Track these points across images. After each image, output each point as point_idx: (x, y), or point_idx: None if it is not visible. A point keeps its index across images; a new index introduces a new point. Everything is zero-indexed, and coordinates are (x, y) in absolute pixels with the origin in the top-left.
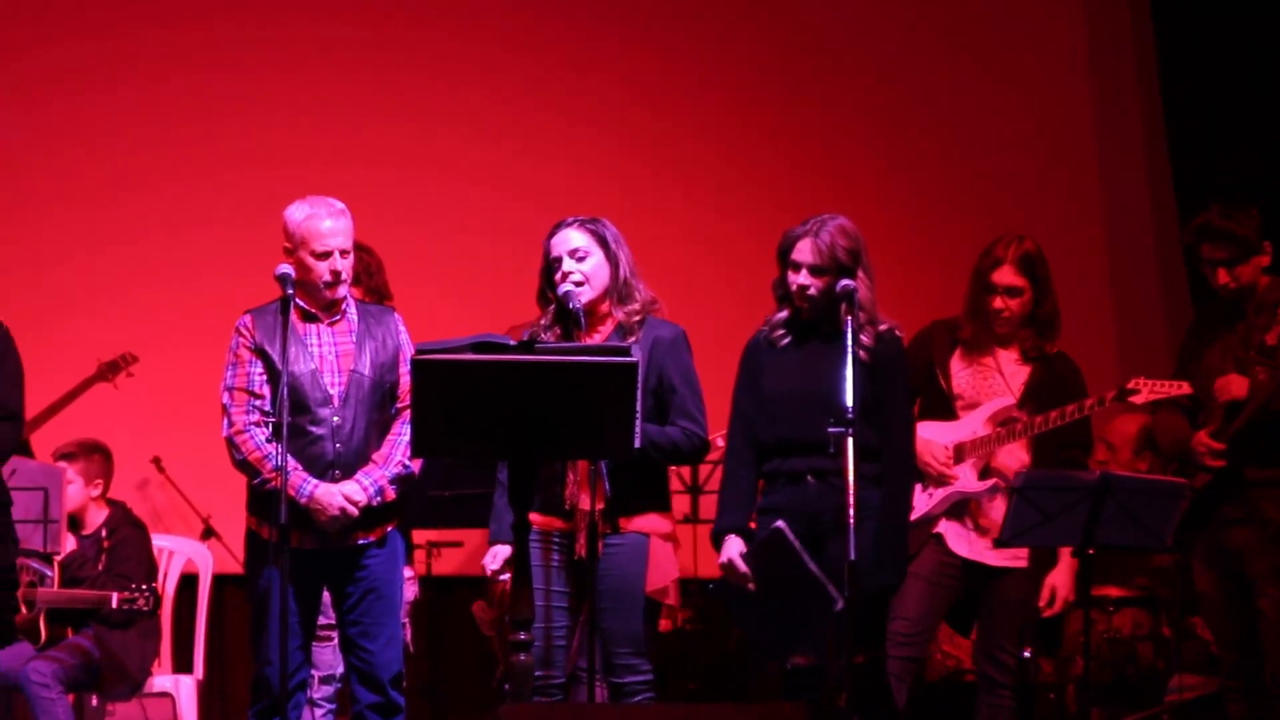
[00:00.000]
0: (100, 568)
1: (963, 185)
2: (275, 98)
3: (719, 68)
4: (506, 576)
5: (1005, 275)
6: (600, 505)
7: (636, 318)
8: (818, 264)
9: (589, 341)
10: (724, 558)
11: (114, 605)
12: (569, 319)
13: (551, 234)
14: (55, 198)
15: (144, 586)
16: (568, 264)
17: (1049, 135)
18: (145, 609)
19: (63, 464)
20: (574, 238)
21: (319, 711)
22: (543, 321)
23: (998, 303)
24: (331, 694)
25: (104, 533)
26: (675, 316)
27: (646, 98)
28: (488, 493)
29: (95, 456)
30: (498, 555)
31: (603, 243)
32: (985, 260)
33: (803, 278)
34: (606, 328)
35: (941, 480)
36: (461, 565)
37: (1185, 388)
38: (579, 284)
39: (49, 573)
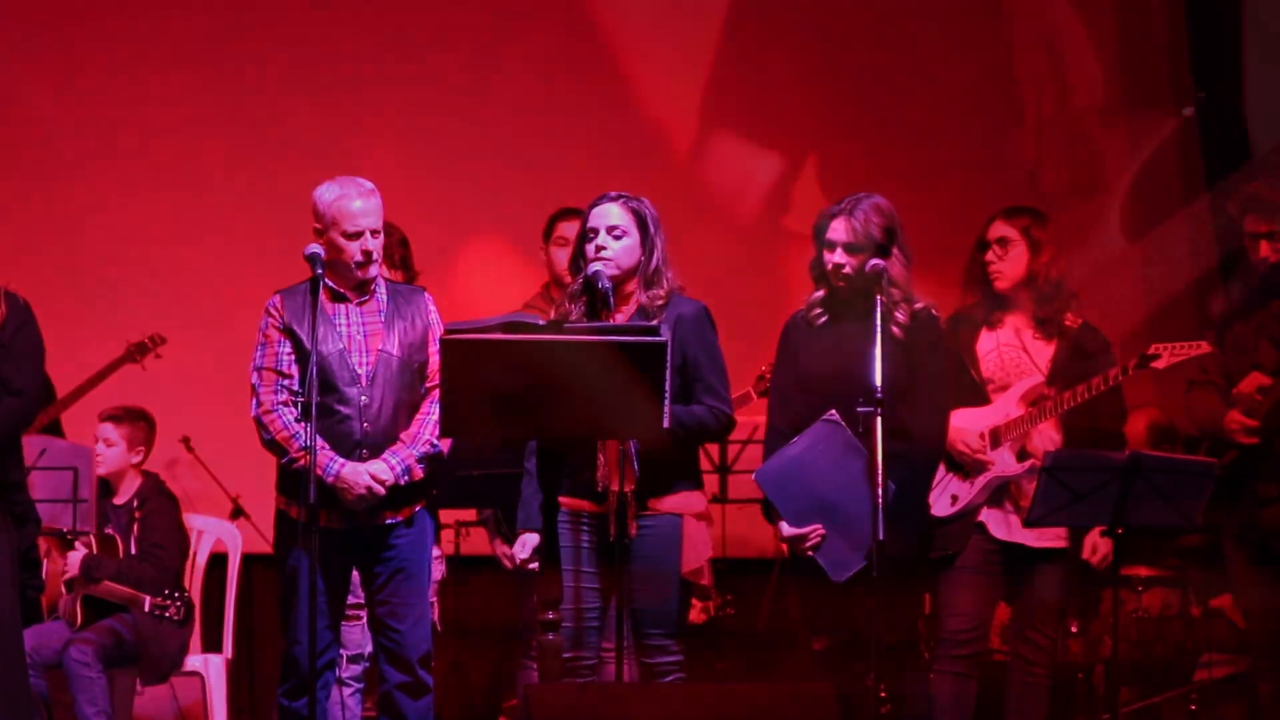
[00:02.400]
0: (133, 538)
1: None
2: (305, 85)
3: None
4: (535, 565)
5: (996, 228)
6: (630, 486)
7: (659, 302)
8: (852, 242)
9: (611, 321)
10: (786, 533)
11: (145, 609)
12: (596, 296)
13: (594, 204)
14: (87, 181)
15: (177, 595)
16: (602, 238)
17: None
18: (176, 618)
19: (108, 425)
20: (614, 213)
21: (347, 691)
22: (572, 289)
23: (989, 255)
24: (359, 673)
25: (135, 502)
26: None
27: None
28: (517, 473)
29: (140, 424)
30: (526, 544)
31: (641, 224)
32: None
33: (838, 256)
34: (629, 308)
35: (978, 466)
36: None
37: (1204, 347)
38: (609, 260)
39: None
